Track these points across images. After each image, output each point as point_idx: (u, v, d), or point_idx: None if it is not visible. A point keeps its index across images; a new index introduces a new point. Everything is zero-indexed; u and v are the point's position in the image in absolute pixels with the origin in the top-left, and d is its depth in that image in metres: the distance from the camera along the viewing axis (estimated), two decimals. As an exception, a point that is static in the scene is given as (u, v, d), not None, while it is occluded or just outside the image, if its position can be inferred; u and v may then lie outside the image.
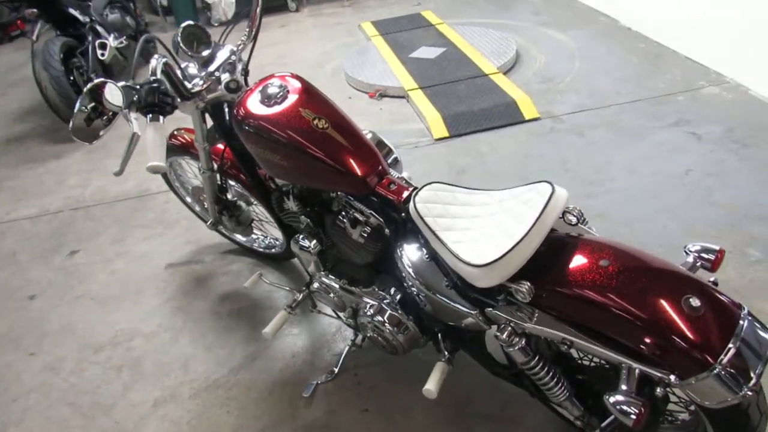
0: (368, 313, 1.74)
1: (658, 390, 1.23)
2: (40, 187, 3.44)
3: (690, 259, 1.38)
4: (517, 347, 1.38)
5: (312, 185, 1.70)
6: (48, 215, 3.17)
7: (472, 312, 1.46)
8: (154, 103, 1.37)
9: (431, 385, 1.61)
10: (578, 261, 1.31)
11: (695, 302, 1.19)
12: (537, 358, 1.41)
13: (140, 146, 1.39)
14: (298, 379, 2.05)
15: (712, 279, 1.35)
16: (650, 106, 3.35)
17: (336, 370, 2.03)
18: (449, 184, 1.55)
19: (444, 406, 1.89)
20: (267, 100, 1.63)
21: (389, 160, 1.89)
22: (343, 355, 2.04)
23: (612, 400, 1.21)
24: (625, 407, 1.19)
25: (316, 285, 1.93)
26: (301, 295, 1.98)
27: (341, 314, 1.92)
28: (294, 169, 1.65)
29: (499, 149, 3.17)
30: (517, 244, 1.29)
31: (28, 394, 2.15)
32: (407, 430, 1.85)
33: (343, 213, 1.74)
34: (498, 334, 1.39)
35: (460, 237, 1.44)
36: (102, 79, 1.38)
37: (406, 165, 3.13)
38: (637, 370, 1.23)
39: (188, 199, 2.59)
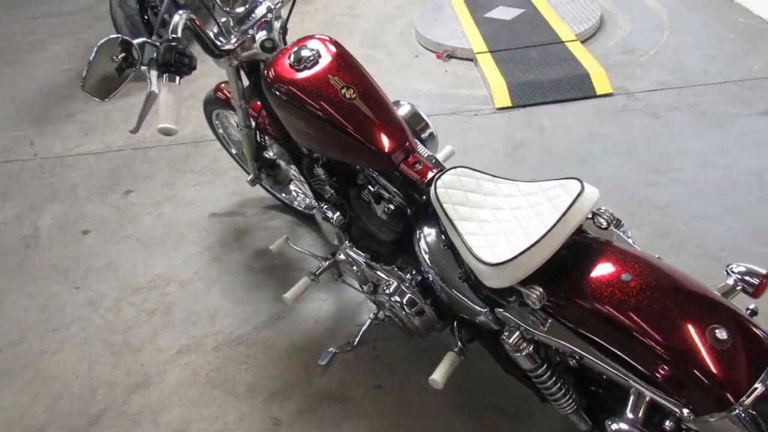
0: (387, 292, 1.69)
1: (668, 423, 1.13)
2: (107, 123, 3.56)
3: (730, 281, 1.23)
4: (524, 353, 1.30)
5: (335, 156, 1.64)
6: (110, 152, 3.28)
7: (482, 310, 1.38)
8: (171, 62, 1.34)
9: (438, 376, 1.56)
10: (599, 271, 1.20)
11: (722, 334, 1.06)
12: (545, 366, 1.32)
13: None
14: (318, 346, 2.04)
15: (752, 307, 1.21)
16: (740, 90, 3.03)
17: (355, 341, 2.01)
18: (476, 170, 1.45)
19: (458, 393, 1.84)
20: (297, 63, 1.57)
21: (424, 135, 1.80)
22: (365, 328, 2.01)
23: (614, 427, 1.12)
24: (625, 437, 1.10)
25: (341, 256, 1.89)
26: (326, 263, 1.96)
27: (363, 288, 1.89)
28: (318, 138, 1.59)
29: (563, 125, 2.98)
30: (532, 246, 1.19)
31: (68, 326, 2.26)
32: (417, 413, 1.82)
33: (368, 187, 1.67)
34: (505, 337, 1.31)
35: (477, 229, 1.35)
36: (116, 35, 1.36)
37: (462, 133, 3.02)
38: (647, 398, 1.13)
39: (233, 151, 2.60)
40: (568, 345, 1.22)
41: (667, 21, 3.76)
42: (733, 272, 1.24)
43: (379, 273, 1.76)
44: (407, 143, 1.54)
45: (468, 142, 2.93)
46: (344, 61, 1.59)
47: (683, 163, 2.62)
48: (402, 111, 1.80)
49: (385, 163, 1.53)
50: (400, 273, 1.69)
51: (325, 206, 1.78)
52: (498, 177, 1.44)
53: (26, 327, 2.28)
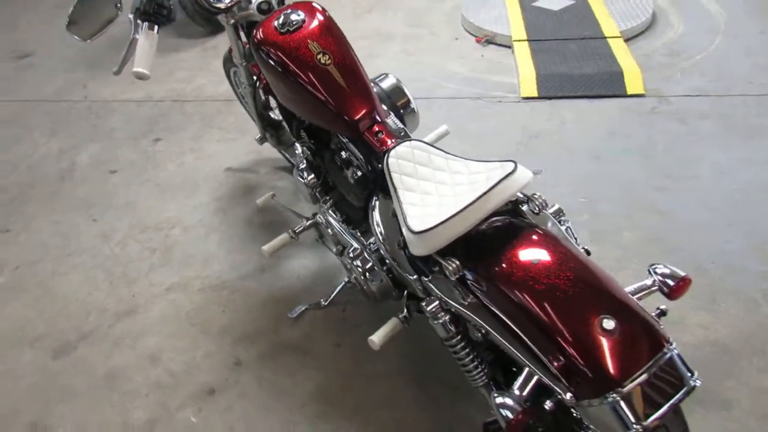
0: (350, 256, 1.76)
1: (548, 403, 1.16)
2: (153, 75, 3.74)
3: (649, 281, 1.24)
4: (440, 321, 1.35)
5: (308, 119, 1.72)
6: (151, 102, 3.49)
7: (412, 277, 1.44)
8: (150, 12, 1.45)
9: (376, 337, 1.63)
10: (514, 252, 1.24)
11: (609, 323, 1.09)
12: (459, 337, 1.37)
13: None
14: (293, 300, 2.15)
15: (662, 307, 1.22)
16: (781, 104, 2.89)
17: (327, 301, 2.10)
18: (431, 145, 1.50)
19: (411, 363, 1.91)
20: (282, 26, 1.65)
21: (405, 111, 1.84)
22: (338, 289, 2.09)
23: (498, 400, 1.17)
24: (504, 410, 1.14)
25: (319, 217, 1.98)
26: (307, 222, 2.05)
27: (333, 249, 1.97)
28: (294, 100, 1.68)
29: (584, 121, 2.93)
30: (448, 219, 1.24)
31: (80, 253, 2.47)
32: (368, 374, 1.91)
33: (341, 153, 1.75)
34: (424, 304, 1.36)
35: (418, 200, 1.40)
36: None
37: (481, 119, 3.04)
38: (536, 377, 1.17)
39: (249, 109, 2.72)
40: (476, 318, 1.27)
41: (722, 25, 3.59)
42: (655, 273, 1.25)
43: (346, 236, 1.83)
44: (375, 113, 1.60)
45: (484, 128, 2.94)
46: (327, 29, 1.66)
47: (700, 172, 2.54)
48: (385, 84, 1.86)
49: (349, 129, 1.60)
50: (362, 239, 1.77)
51: (303, 166, 1.87)
52: (451, 154, 1.48)
53: (46, 250, 2.51)
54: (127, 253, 2.44)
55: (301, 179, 1.86)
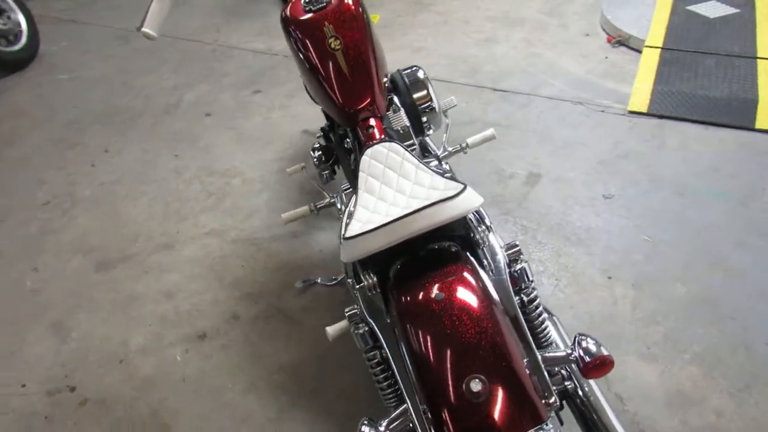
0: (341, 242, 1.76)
1: (413, 448, 1.09)
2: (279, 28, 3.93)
3: (567, 351, 1.10)
4: (358, 332, 1.31)
5: (315, 99, 1.71)
6: (267, 55, 3.67)
7: (348, 280, 1.40)
8: (163, -25, 1.52)
9: (331, 330, 1.60)
10: (430, 284, 1.15)
11: (477, 386, 0.99)
12: (375, 352, 1.32)
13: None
14: (307, 271, 2.20)
15: (567, 384, 1.08)
16: None
17: (336, 280, 2.12)
18: (408, 152, 1.42)
19: (387, 361, 1.88)
20: (307, 4, 1.63)
21: (423, 107, 1.76)
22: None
23: (363, 429, 1.12)
24: (365, 442, 1.09)
25: (335, 197, 1.99)
26: (328, 200, 2.06)
27: (338, 233, 1.97)
28: (306, 79, 1.67)
29: (689, 150, 2.57)
30: (371, 230, 1.18)
31: (151, 182, 2.73)
32: (339, 360, 1.91)
33: (346, 139, 1.72)
34: (346, 311, 1.33)
35: (372, 204, 1.35)
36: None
37: (574, 126, 2.81)
38: (409, 417, 1.10)
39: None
40: (381, 338, 1.22)
41: None
42: (578, 344, 1.11)
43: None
44: (373, 106, 1.55)
45: (572, 137, 2.71)
46: (349, 14, 1.61)
47: (798, 235, 2.14)
48: (409, 78, 1.78)
49: (346, 118, 1.56)
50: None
51: (316, 146, 1.87)
52: (424, 165, 1.40)
53: (128, 172, 2.80)
54: (187, 192, 2.64)
55: (311, 158, 1.87)
